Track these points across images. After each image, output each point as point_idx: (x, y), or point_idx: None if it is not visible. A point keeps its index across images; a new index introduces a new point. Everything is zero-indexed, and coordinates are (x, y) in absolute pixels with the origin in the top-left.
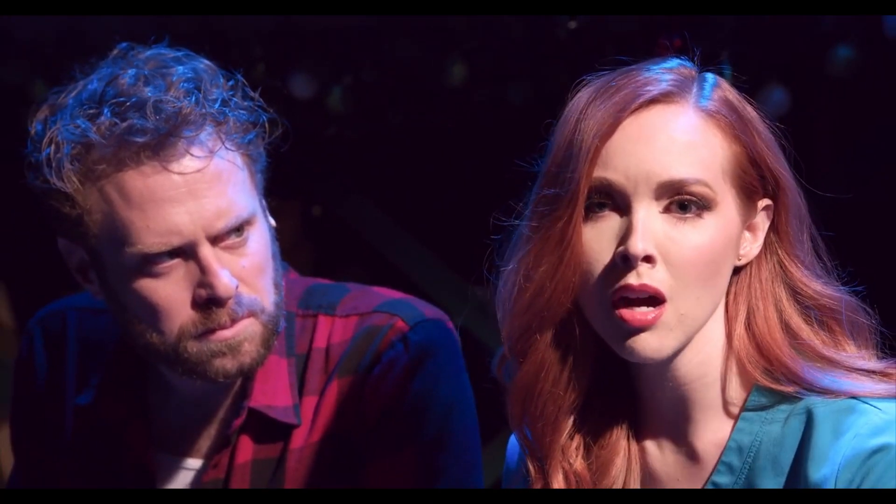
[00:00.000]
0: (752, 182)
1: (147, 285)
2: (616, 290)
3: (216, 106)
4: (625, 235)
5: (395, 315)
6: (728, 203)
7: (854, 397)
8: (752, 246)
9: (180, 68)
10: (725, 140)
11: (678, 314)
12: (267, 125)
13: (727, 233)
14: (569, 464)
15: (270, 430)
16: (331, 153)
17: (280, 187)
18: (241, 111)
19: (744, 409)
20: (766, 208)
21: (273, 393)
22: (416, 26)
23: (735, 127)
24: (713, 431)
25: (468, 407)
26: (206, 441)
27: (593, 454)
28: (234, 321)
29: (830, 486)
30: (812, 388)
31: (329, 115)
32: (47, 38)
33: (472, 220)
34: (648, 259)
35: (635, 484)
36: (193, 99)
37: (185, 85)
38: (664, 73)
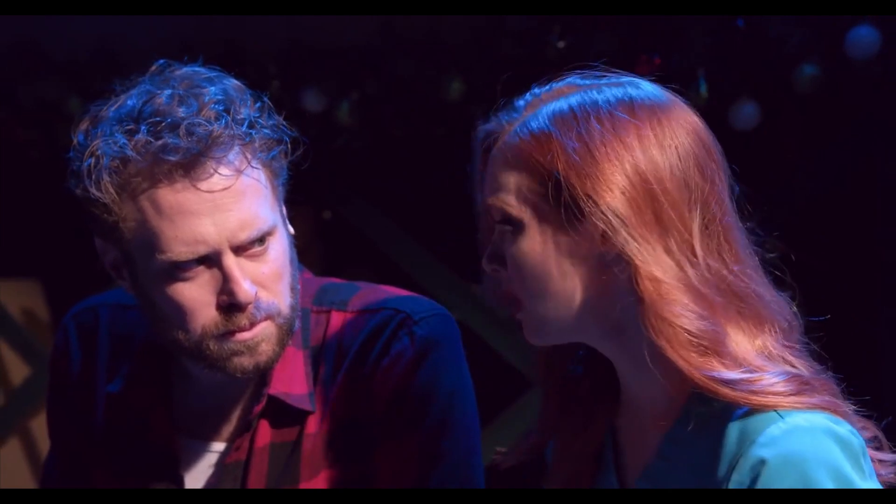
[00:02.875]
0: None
1: (174, 288)
2: None
3: (244, 127)
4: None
5: (401, 311)
6: (533, 222)
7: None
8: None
9: (212, 89)
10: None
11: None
12: (289, 143)
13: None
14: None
15: (287, 415)
16: (340, 162)
17: (293, 193)
18: (266, 130)
19: (685, 402)
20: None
21: (290, 381)
22: (417, 46)
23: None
24: (658, 417)
25: (469, 395)
26: (228, 426)
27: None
28: (252, 324)
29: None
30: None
31: (338, 127)
32: (81, 57)
33: (468, 224)
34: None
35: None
36: (224, 122)
37: (216, 107)
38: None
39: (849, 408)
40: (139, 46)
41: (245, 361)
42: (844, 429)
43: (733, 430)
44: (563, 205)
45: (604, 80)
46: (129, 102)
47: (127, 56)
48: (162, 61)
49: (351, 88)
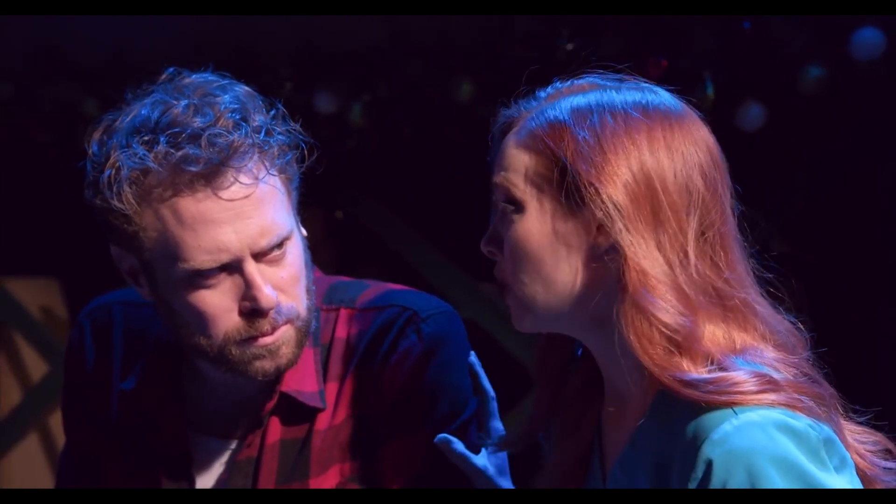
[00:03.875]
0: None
1: (197, 296)
2: None
3: (261, 136)
4: None
5: (408, 308)
6: (535, 204)
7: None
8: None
9: (226, 97)
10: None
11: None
12: (304, 147)
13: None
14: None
15: (298, 412)
16: (352, 162)
17: (306, 194)
18: (281, 136)
19: (654, 395)
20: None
21: (301, 379)
22: (427, 49)
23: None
24: (634, 408)
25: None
26: (239, 423)
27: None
28: (274, 328)
29: (675, 472)
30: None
31: (350, 128)
32: (99, 60)
33: (478, 223)
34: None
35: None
36: (243, 131)
37: (232, 115)
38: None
39: (826, 410)
40: (155, 50)
41: (266, 365)
42: (801, 423)
43: (691, 426)
44: (566, 190)
45: (625, 83)
46: (144, 112)
47: (143, 59)
48: (171, 69)
49: (363, 90)
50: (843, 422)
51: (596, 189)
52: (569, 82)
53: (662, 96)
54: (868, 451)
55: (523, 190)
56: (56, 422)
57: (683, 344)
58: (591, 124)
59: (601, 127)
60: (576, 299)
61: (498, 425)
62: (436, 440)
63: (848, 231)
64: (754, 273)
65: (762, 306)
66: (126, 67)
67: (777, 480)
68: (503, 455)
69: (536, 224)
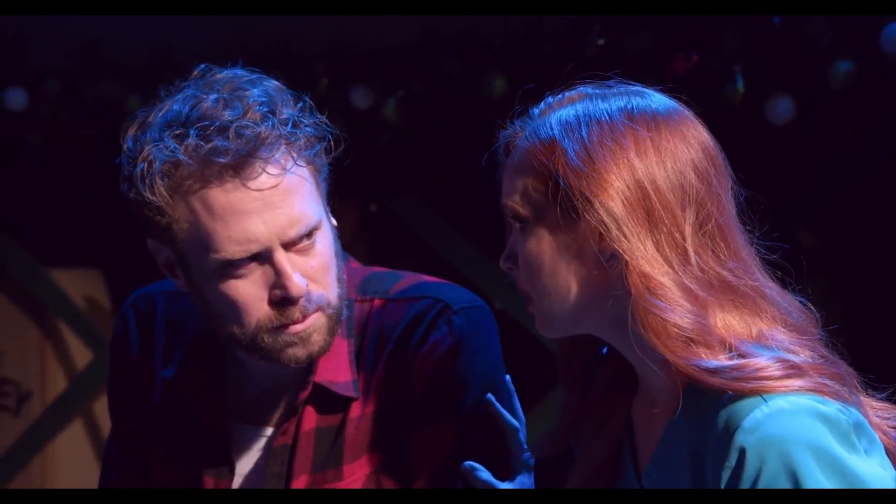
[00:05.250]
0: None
1: (229, 285)
2: None
3: (288, 127)
4: None
5: (441, 300)
6: (538, 221)
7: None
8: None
9: (255, 91)
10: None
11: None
12: (331, 139)
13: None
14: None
15: (332, 401)
16: (386, 157)
17: (341, 187)
18: (308, 128)
19: (683, 389)
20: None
21: (335, 369)
22: (460, 45)
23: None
24: (664, 403)
25: (502, 383)
26: (275, 411)
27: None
28: (305, 316)
29: (709, 463)
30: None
31: (384, 123)
32: (139, 58)
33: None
34: None
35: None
36: (270, 123)
37: (260, 108)
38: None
39: (849, 391)
40: (193, 48)
41: (298, 352)
42: (831, 408)
43: (722, 415)
44: (561, 204)
45: (612, 90)
46: (175, 107)
47: (182, 57)
48: (203, 66)
49: (397, 86)
50: (864, 399)
51: (589, 200)
52: (559, 95)
53: (649, 99)
54: (891, 427)
55: (525, 208)
56: (100, 408)
57: (697, 338)
58: (580, 136)
59: (588, 138)
60: (590, 305)
61: (527, 457)
62: (462, 467)
63: (877, 223)
64: (761, 258)
65: (771, 289)
66: (166, 65)
67: (811, 467)
68: (530, 480)
69: (541, 239)
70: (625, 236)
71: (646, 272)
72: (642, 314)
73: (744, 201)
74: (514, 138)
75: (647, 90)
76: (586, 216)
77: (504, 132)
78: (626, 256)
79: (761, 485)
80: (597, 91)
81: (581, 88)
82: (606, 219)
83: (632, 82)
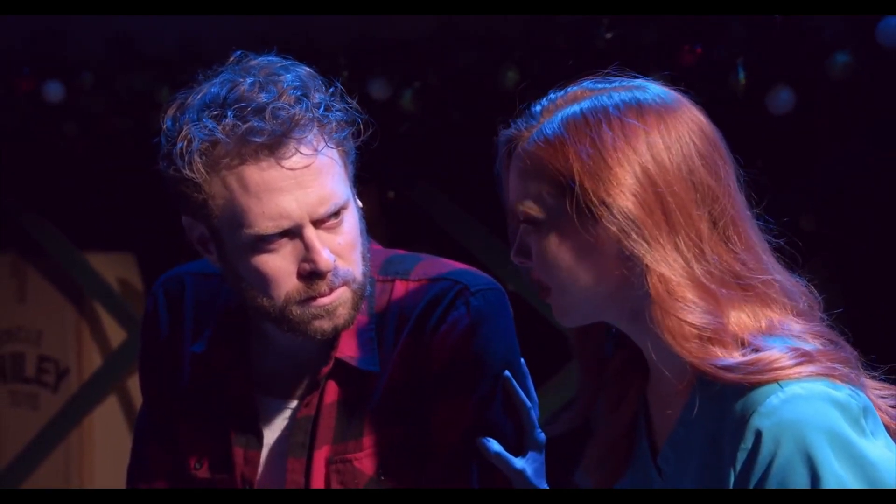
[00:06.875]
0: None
1: (260, 259)
2: None
3: (320, 111)
4: None
5: (460, 282)
6: (553, 223)
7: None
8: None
9: (288, 76)
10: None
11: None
12: (360, 122)
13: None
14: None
15: (353, 376)
16: (403, 146)
17: (361, 173)
18: (339, 113)
19: (695, 379)
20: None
21: (356, 346)
22: (475, 37)
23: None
24: (678, 388)
25: (517, 364)
26: (299, 385)
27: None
28: (331, 290)
29: (727, 447)
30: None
31: (402, 113)
32: (170, 52)
33: None
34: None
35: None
36: (304, 106)
37: (294, 92)
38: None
39: (856, 373)
40: (221, 42)
41: (325, 324)
42: (842, 392)
43: (739, 401)
44: (578, 207)
45: (614, 84)
46: (213, 90)
47: (210, 50)
48: (239, 52)
49: (414, 78)
50: (865, 380)
51: (607, 205)
52: (562, 92)
53: (651, 91)
54: (889, 406)
55: (540, 212)
56: (133, 383)
57: (713, 336)
58: (591, 138)
59: (600, 140)
60: (608, 299)
61: (539, 435)
62: (478, 441)
63: (877, 212)
64: (768, 242)
65: (780, 275)
66: (194, 58)
67: (825, 450)
68: (541, 458)
69: (559, 240)
70: (644, 240)
71: (665, 275)
72: (660, 315)
73: (748, 186)
74: (519, 137)
75: (647, 83)
76: (604, 221)
77: (506, 131)
78: (645, 259)
79: (776, 466)
80: (599, 86)
81: (583, 84)
82: (625, 224)
83: (632, 76)
